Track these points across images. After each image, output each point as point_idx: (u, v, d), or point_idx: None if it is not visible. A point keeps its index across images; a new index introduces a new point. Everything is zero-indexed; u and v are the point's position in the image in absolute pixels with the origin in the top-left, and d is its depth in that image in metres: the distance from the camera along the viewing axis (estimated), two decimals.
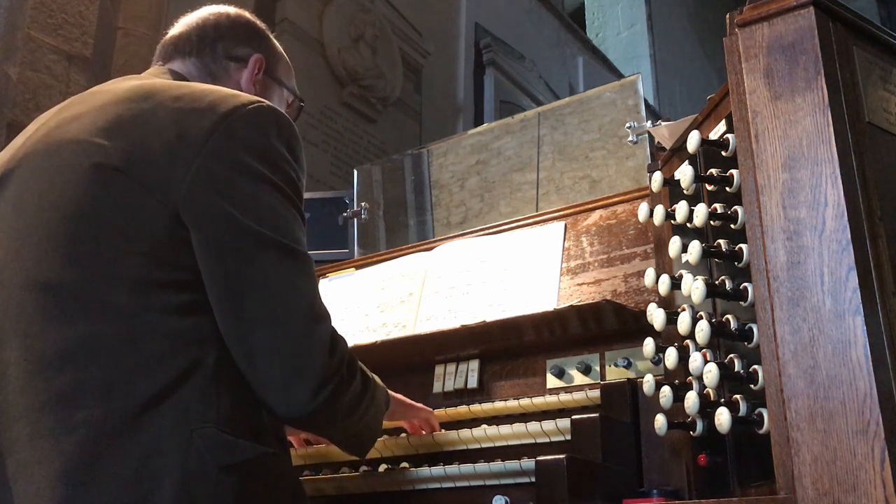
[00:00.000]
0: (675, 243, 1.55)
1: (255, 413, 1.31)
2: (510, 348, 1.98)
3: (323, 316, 1.33)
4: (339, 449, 1.91)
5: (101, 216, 1.27)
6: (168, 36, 1.66)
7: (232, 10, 1.68)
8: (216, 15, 1.66)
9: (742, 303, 1.37)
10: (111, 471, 1.15)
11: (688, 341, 1.49)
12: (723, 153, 1.47)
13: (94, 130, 1.34)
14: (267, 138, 1.36)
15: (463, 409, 1.89)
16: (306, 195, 1.56)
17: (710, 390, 1.42)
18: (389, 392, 1.64)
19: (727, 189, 1.44)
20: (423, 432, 1.86)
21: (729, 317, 1.39)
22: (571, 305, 1.83)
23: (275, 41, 1.73)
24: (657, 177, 1.68)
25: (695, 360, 1.44)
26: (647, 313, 1.61)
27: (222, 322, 1.27)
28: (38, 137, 1.40)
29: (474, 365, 2.02)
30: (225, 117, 1.33)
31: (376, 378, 1.54)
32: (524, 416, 1.81)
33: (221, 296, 1.27)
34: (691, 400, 1.40)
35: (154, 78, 1.54)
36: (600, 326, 1.84)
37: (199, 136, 1.30)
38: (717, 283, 1.42)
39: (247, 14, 1.71)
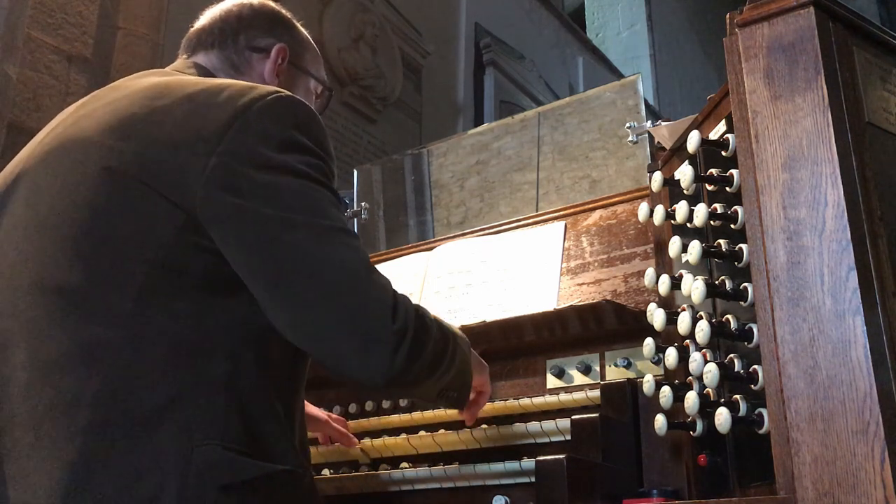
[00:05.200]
0: (675, 243, 1.55)
1: (273, 427, 1.26)
2: (510, 348, 1.97)
3: (376, 278, 1.28)
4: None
5: (110, 220, 1.25)
6: (193, 28, 1.64)
7: (256, 0, 1.66)
8: (239, 6, 1.63)
9: (742, 303, 1.37)
10: (106, 483, 1.13)
11: (688, 341, 1.49)
12: (723, 153, 1.47)
13: (107, 131, 1.31)
14: (285, 129, 1.31)
15: None
16: None
17: (710, 390, 1.42)
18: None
19: (727, 189, 1.44)
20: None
21: (729, 317, 1.39)
22: (571, 305, 1.83)
23: (301, 30, 1.70)
24: (657, 177, 1.68)
25: (695, 360, 1.44)
26: (647, 313, 1.61)
27: (275, 317, 1.24)
28: (54, 135, 1.39)
29: None
30: (240, 112, 1.29)
31: (453, 326, 1.50)
32: (524, 416, 1.81)
33: (265, 290, 1.24)
34: (691, 400, 1.40)
35: (176, 72, 1.52)
36: (600, 326, 1.84)
37: (214, 134, 1.26)
38: (717, 283, 1.42)
39: (271, 4, 1.68)
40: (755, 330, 1.32)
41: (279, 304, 1.24)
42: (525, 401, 1.81)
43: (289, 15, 1.69)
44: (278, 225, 1.24)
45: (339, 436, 1.91)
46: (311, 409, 1.86)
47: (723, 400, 1.37)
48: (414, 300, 2.21)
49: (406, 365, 1.26)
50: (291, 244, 1.24)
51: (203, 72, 1.54)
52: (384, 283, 1.29)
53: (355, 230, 3.44)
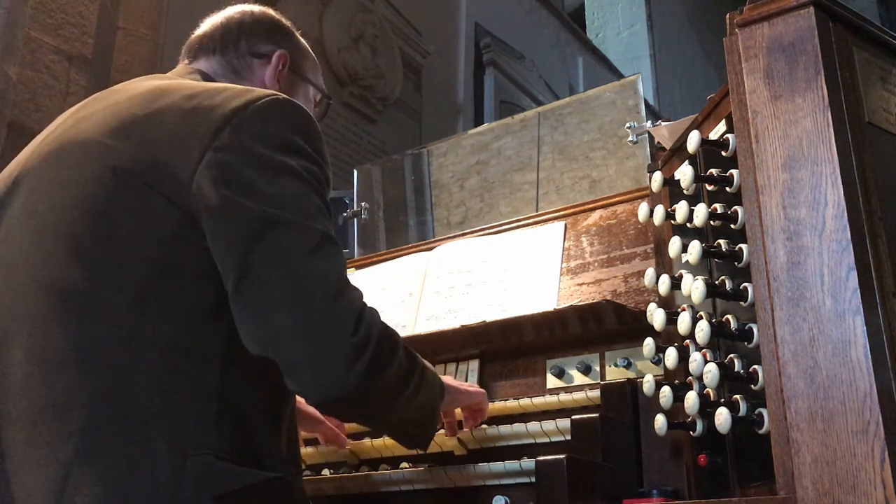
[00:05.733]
0: (675, 243, 1.55)
1: (265, 435, 1.26)
2: (510, 348, 1.97)
3: (346, 290, 1.24)
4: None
5: (109, 219, 1.25)
6: (194, 35, 1.65)
7: (256, 8, 1.67)
8: (240, 13, 1.65)
9: (742, 303, 1.37)
10: (99, 487, 1.13)
11: (688, 341, 1.49)
12: (723, 153, 1.47)
13: (107, 131, 1.32)
14: (282, 130, 1.32)
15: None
16: None
17: (710, 390, 1.42)
18: (442, 377, 1.56)
19: (727, 189, 1.44)
20: (473, 424, 1.74)
21: (729, 317, 1.39)
22: (571, 305, 1.83)
23: (301, 39, 1.72)
24: (657, 177, 1.68)
25: (695, 360, 1.44)
26: (647, 313, 1.61)
27: (240, 315, 1.22)
28: (54, 136, 1.40)
29: (474, 365, 2.02)
30: (237, 111, 1.30)
31: (427, 364, 1.46)
32: (524, 416, 1.81)
33: (236, 285, 1.22)
34: (691, 400, 1.40)
35: (177, 77, 1.53)
36: (600, 326, 1.84)
37: (209, 131, 1.27)
38: (717, 283, 1.42)
39: (271, 11, 1.69)
40: (755, 330, 1.32)
41: (247, 303, 1.22)
42: (525, 401, 1.81)
43: (288, 23, 1.71)
44: (263, 222, 1.23)
45: (332, 436, 1.90)
46: (306, 408, 1.85)
47: (723, 400, 1.37)
48: (414, 300, 2.25)
49: (362, 382, 1.21)
50: (271, 243, 1.22)
51: (205, 77, 1.55)
52: (354, 296, 1.26)
53: (355, 230, 3.44)
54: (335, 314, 1.22)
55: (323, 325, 1.21)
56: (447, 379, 1.63)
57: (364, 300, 1.28)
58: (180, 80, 1.49)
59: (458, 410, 1.75)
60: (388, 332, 1.30)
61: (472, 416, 1.75)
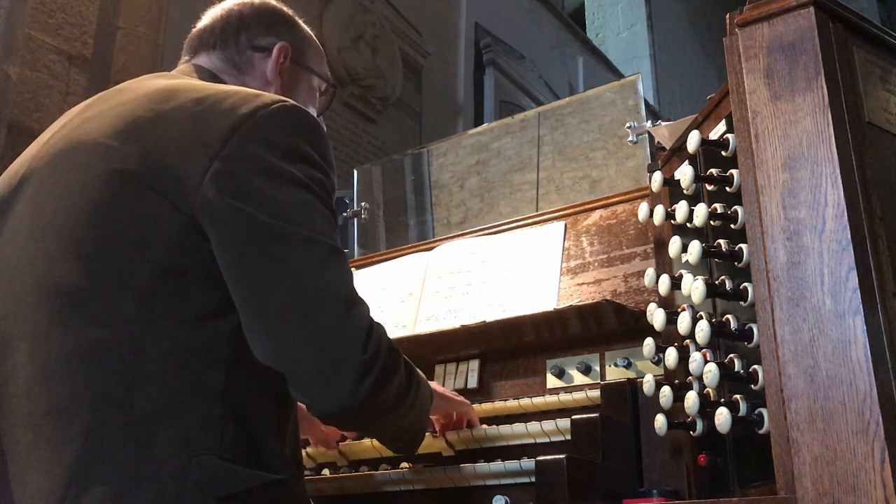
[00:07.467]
0: (675, 243, 1.55)
1: (267, 437, 1.26)
2: (510, 348, 1.98)
3: (356, 304, 1.26)
4: (342, 449, 1.93)
5: (113, 222, 1.25)
6: (195, 29, 1.63)
7: None
8: (240, 5, 1.62)
9: (742, 303, 1.37)
10: (103, 488, 1.13)
11: (688, 341, 1.49)
12: (723, 153, 1.47)
13: (112, 133, 1.31)
14: (289, 137, 1.31)
15: None
16: None
17: (710, 390, 1.42)
18: (430, 384, 1.58)
19: (727, 189, 1.44)
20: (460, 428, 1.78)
21: (729, 317, 1.39)
22: (571, 305, 1.83)
23: (304, 27, 1.69)
24: (657, 177, 1.68)
25: (695, 360, 1.44)
26: (647, 313, 1.61)
27: (249, 326, 1.23)
28: (60, 136, 1.39)
29: (474, 365, 2.02)
30: (245, 119, 1.29)
31: (420, 373, 1.47)
32: (524, 416, 1.81)
33: (245, 297, 1.22)
34: (691, 400, 1.40)
35: (182, 76, 1.51)
36: (600, 326, 1.84)
37: (217, 139, 1.26)
38: (717, 283, 1.42)
39: (272, 1, 1.67)
40: (755, 330, 1.32)
41: (256, 314, 1.22)
42: (525, 401, 1.81)
43: (290, 12, 1.68)
44: (274, 234, 1.23)
45: (321, 438, 1.90)
46: (305, 409, 1.86)
47: (723, 400, 1.37)
48: (414, 300, 2.24)
49: (367, 397, 1.23)
50: (280, 256, 1.23)
51: (206, 74, 1.53)
52: (363, 311, 1.27)
53: (355, 230, 3.44)
54: (345, 331, 1.22)
55: (333, 341, 1.22)
56: (435, 385, 1.66)
57: (371, 314, 1.28)
58: (187, 80, 1.48)
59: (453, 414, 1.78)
60: (392, 348, 1.31)
61: (458, 423, 1.79)
